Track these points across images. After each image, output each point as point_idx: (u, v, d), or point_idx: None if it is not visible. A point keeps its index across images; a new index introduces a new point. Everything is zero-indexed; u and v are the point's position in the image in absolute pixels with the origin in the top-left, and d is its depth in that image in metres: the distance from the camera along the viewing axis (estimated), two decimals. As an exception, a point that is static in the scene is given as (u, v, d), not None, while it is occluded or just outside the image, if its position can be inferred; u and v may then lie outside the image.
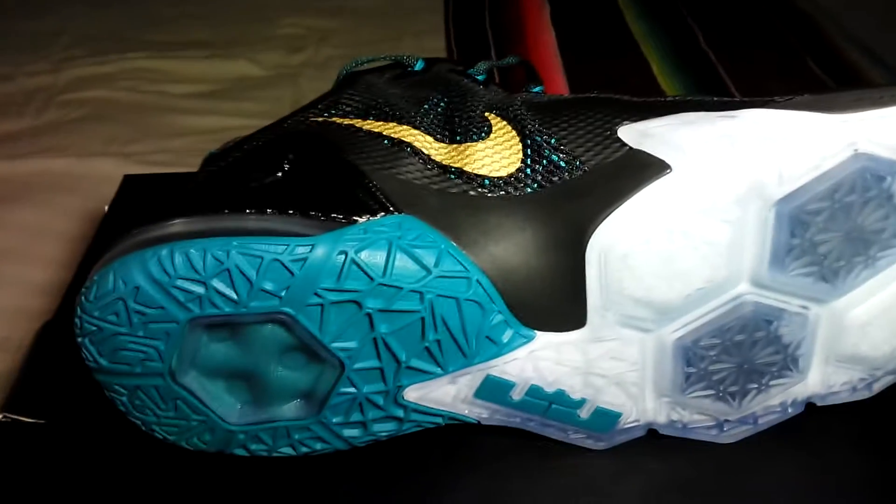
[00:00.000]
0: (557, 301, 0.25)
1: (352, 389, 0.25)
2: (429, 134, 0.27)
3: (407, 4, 1.03)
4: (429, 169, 0.26)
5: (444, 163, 0.26)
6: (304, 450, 0.27)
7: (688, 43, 0.91)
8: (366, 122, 0.28)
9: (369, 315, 0.24)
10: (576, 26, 0.94)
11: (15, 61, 0.78)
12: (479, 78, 0.31)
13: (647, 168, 0.23)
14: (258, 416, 0.26)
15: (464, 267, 0.24)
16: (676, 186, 0.23)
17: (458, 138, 0.27)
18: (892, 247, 0.24)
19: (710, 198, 0.23)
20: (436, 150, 0.26)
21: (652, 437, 0.28)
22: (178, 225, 0.24)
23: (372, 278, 0.23)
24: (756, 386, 0.26)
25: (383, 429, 0.27)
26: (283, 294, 0.23)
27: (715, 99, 0.25)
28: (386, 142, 0.26)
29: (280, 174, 0.26)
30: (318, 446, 0.27)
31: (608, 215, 0.23)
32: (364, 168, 0.26)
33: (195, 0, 0.96)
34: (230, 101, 0.80)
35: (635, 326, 0.25)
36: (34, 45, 0.82)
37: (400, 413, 0.26)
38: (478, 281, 0.24)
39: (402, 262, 0.23)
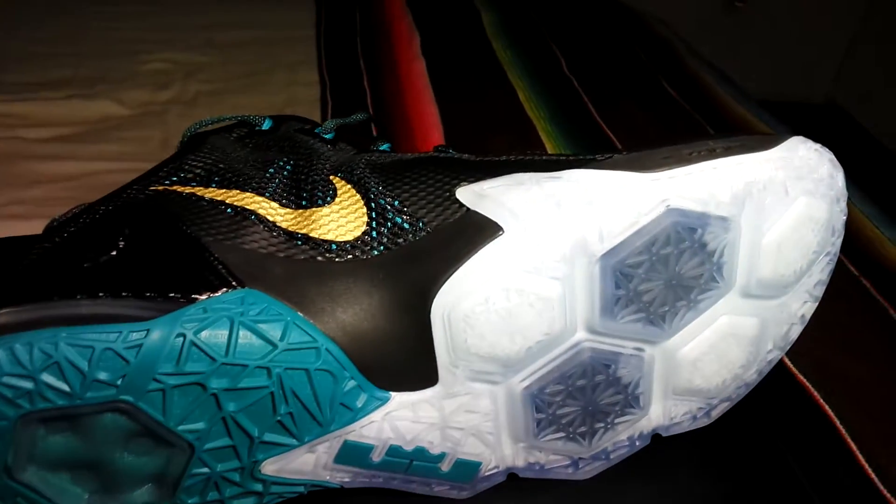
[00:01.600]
0: (409, 362, 0.25)
1: (205, 470, 0.25)
2: (274, 200, 0.27)
3: (277, 37, 1.02)
4: (274, 237, 0.26)
5: (290, 229, 0.26)
6: (162, 532, 0.26)
7: (551, 69, 0.95)
8: (208, 190, 0.27)
9: (215, 395, 0.23)
10: (445, 55, 0.96)
11: None
12: (327, 137, 0.31)
13: (482, 230, 0.24)
14: (107, 503, 0.25)
15: (312, 337, 0.24)
16: (508, 247, 0.24)
17: (303, 203, 0.27)
18: (710, 289, 0.26)
19: (539, 257, 0.24)
20: (281, 216, 0.26)
21: (512, 481, 0.29)
22: (3, 315, 0.23)
23: (214, 359, 0.23)
24: (603, 425, 0.28)
25: None
26: (119, 383, 0.23)
27: (544, 157, 0.26)
28: (229, 210, 0.26)
29: (115, 252, 0.25)
30: (176, 528, 0.26)
31: (448, 278, 0.24)
32: (205, 240, 0.25)
33: (54, 37, 0.91)
34: (93, 143, 0.77)
35: (484, 380, 0.26)
36: None
37: (258, 487, 0.26)
38: (327, 350, 0.24)
39: (245, 338, 0.23)
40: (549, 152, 0.32)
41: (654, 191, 0.23)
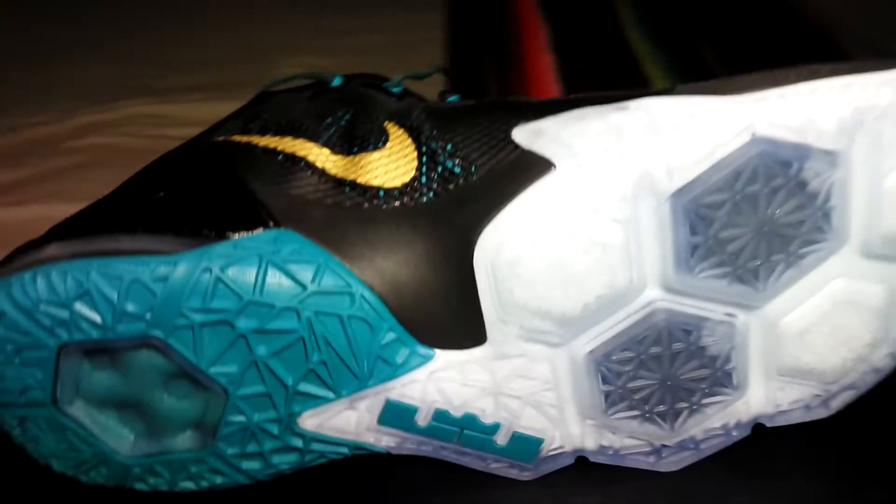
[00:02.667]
0: (454, 316, 0.23)
1: (241, 418, 0.24)
2: (326, 146, 0.25)
3: (406, 39, 1.03)
4: (322, 182, 0.24)
5: (338, 175, 0.24)
6: (205, 484, 0.25)
7: (694, 63, 0.88)
8: (263, 139, 0.26)
9: (244, 337, 0.22)
10: (575, 48, 0.92)
11: (20, 113, 0.80)
12: (395, 90, 0.29)
13: (533, 168, 0.22)
14: (152, 448, 0.25)
15: (346, 282, 0.22)
16: (559, 185, 0.21)
17: (354, 149, 0.25)
18: (815, 242, 0.21)
19: (595, 195, 0.21)
20: (332, 162, 0.25)
21: (585, 466, 0.25)
22: (52, 249, 0.23)
23: (241, 297, 0.22)
24: (687, 405, 0.24)
25: (284, 460, 0.25)
26: (147, 316, 0.22)
27: (613, 94, 0.23)
28: (280, 157, 0.25)
29: (162, 194, 0.24)
30: (219, 480, 0.25)
31: (491, 220, 0.21)
32: (253, 185, 0.24)
33: (195, 45, 0.98)
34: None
35: (540, 341, 0.23)
36: (39, 96, 0.84)
37: (298, 443, 0.24)
38: (363, 296, 0.22)
39: (274, 278, 0.22)
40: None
41: (736, 116, 0.20)
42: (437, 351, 0.23)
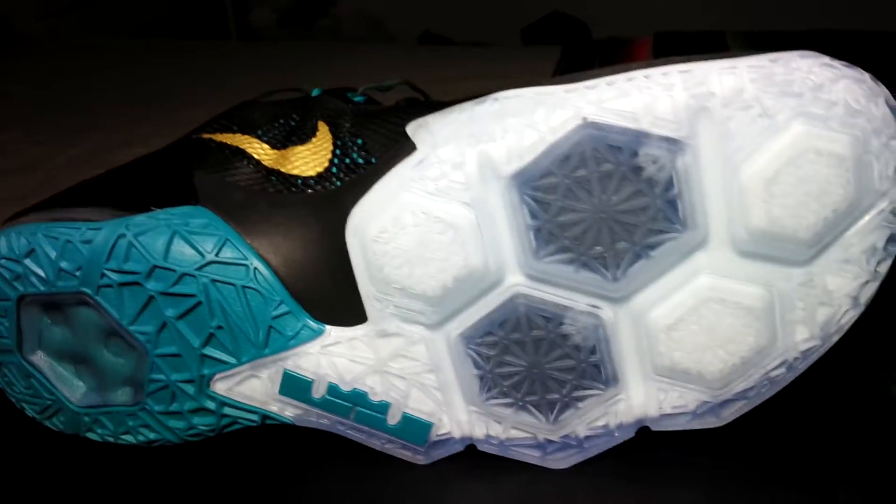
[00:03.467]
0: (340, 293, 0.25)
1: (161, 376, 0.27)
2: (266, 142, 0.28)
3: (510, 85, 1.06)
4: (255, 173, 0.27)
5: (269, 166, 0.27)
6: (142, 438, 0.28)
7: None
8: (221, 135, 0.30)
9: (154, 297, 0.25)
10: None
11: (151, 144, 0.91)
12: (356, 99, 0.32)
13: (401, 153, 0.23)
14: (97, 399, 0.28)
15: (243, 254, 0.25)
16: (415, 167, 0.22)
17: (288, 144, 0.28)
18: (663, 231, 0.21)
19: (444, 178, 0.22)
20: (268, 155, 0.28)
21: (475, 456, 0.26)
22: (28, 216, 0.28)
23: (149, 260, 0.25)
24: (558, 397, 0.24)
25: (202, 422, 0.27)
26: (78, 273, 0.25)
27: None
28: (227, 150, 0.28)
29: (123, 178, 0.28)
30: (151, 436, 0.28)
31: (360, 198, 0.23)
32: (196, 173, 0.28)
33: (312, 87, 1.05)
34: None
35: (415, 321, 0.24)
36: (172, 131, 0.95)
37: (212, 405, 0.27)
38: (256, 269, 0.25)
39: (178, 247, 0.25)
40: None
41: (566, 101, 0.20)
42: (328, 327, 0.25)
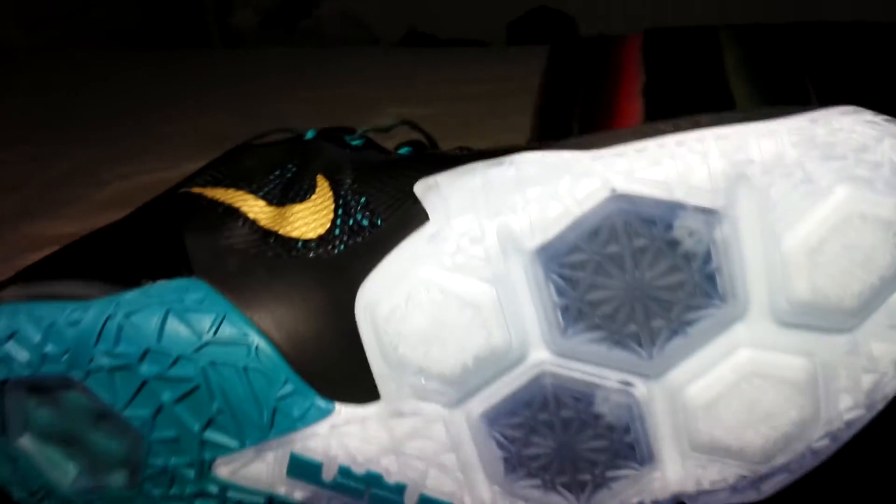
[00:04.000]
0: (349, 369, 0.23)
1: (159, 461, 0.25)
2: (262, 198, 0.27)
3: (502, 88, 1.04)
4: (252, 234, 0.25)
5: (266, 227, 0.25)
6: (140, 523, 0.27)
7: (799, 101, 0.83)
8: (215, 191, 0.28)
9: (148, 381, 0.23)
10: (669, 94, 0.89)
11: (134, 162, 0.88)
12: (355, 143, 0.30)
13: (413, 221, 0.21)
14: (91, 483, 0.26)
15: (242, 332, 0.23)
16: (430, 240, 0.21)
17: (286, 201, 0.26)
18: (701, 307, 0.19)
19: (464, 253, 0.20)
20: (264, 214, 0.26)
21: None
22: (8, 291, 0.26)
23: (142, 343, 0.23)
24: (590, 477, 0.22)
25: (205, 505, 0.26)
26: (65, 358, 0.24)
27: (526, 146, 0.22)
28: (220, 209, 0.26)
29: (110, 243, 0.26)
30: (152, 520, 0.27)
31: (369, 272, 0.21)
32: (188, 235, 0.26)
33: (300, 98, 1.03)
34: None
35: (433, 400, 0.22)
36: (153, 147, 0.92)
37: (215, 489, 0.25)
38: (257, 346, 0.23)
39: (173, 327, 0.23)
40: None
41: (593, 171, 0.19)
42: (338, 405, 0.23)
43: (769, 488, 0.22)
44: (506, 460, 0.22)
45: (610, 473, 0.22)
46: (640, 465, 0.22)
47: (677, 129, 0.19)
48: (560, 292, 0.20)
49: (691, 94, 0.90)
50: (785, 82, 0.90)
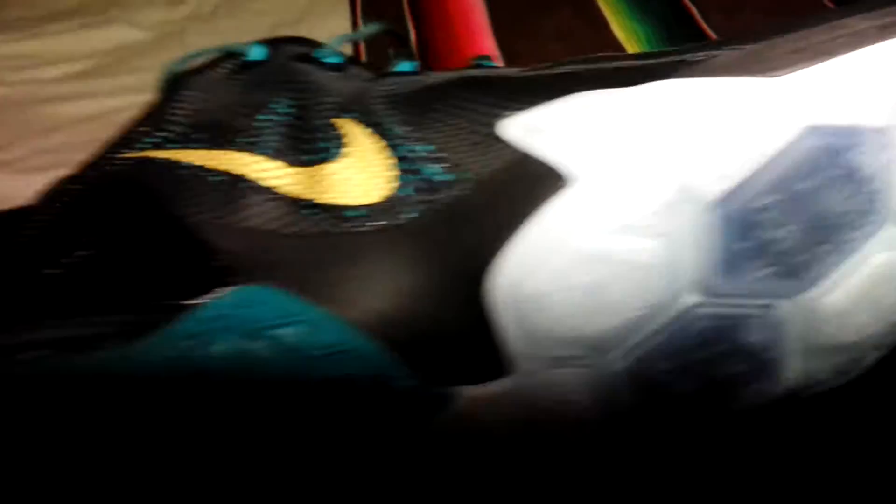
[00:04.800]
0: (471, 351, 0.20)
1: None
2: (269, 158, 0.21)
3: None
4: (274, 208, 0.20)
5: (292, 195, 0.20)
6: None
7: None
8: (187, 153, 0.21)
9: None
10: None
11: None
12: (333, 61, 0.24)
13: (542, 180, 0.18)
14: None
15: (344, 337, 0.19)
16: (582, 202, 0.17)
17: (305, 158, 0.21)
18: (861, 226, 0.19)
19: (627, 212, 0.17)
20: (281, 179, 0.20)
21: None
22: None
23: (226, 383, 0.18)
24: (726, 397, 0.22)
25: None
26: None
27: (617, 63, 0.19)
28: (215, 178, 0.20)
29: (83, 251, 0.20)
30: None
31: (504, 248, 0.18)
32: (190, 221, 0.20)
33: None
34: (111, 76, 0.71)
35: (573, 365, 0.20)
36: None
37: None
38: (366, 349, 0.19)
39: (261, 351, 0.18)
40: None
41: (788, 104, 0.17)
42: (459, 388, 0.20)
43: (867, 364, 0.23)
44: (646, 405, 0.21)
45: (745, 390, 0.22)
46: (773, 375, 0.22)
47: (856, 40, 0.17)
48: (743, 237, 0.18)
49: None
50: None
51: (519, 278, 0.18)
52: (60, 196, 0.22)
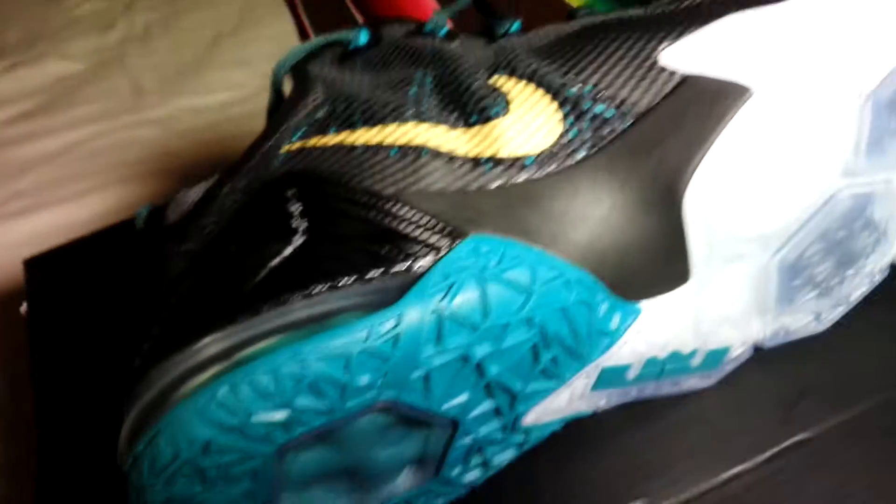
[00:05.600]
0: (659, 264, 0.22)
1: (468, 439, 0.22)
2: (439, 124, 0.22)
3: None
4: (457, 168, 0.21)
5: (470, 155, 0.22)
6: (424, 509, 0.24)
7: None
8: (355, 133, 0.22)
9: (479, 364, 0.20)
10: None
11: None
12: (442, 34, 0.26)
13: (722, 97, 0.20)
14: (369, 502, 0.23)
15: (558, 271, 0.21)
16: (767, 111, 0.20)
17: (473, 119, 0.22)
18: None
19: (802, 112, 0.20)
20: (455, 141, 0.22)
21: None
22: (211, 346, 0.19)
23: (475, 326, 0.19)
24: (853, 271, 0.25)
25: (503, 459, 0.24)
26: (379, 382, 0.19)
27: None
28: (394, 152, 0.22)
29: (298, 237, 0.21)
30: (440, 501, 0.24)
31: (699, 162, 0.20)
32: (386, 193, 0.21)
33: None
34: (62, 110, 0.69)
35: (740, 260, 0.23)
36: None
37: (520, 439, 0.23)
38: (577, 280, 0.21)
39: (497, 294, 0.20)
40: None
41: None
42: (643, 303, 0.23)
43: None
44: (795, 288, 0.24)
45: (867, 261, 0.25)
46: (888, 244, 0.25)
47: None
48: (885, 118, 0.21)
49: None
50: None
51: (713, 189, 0.20)
52: (220, 202, 0.22)
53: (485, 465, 0.24)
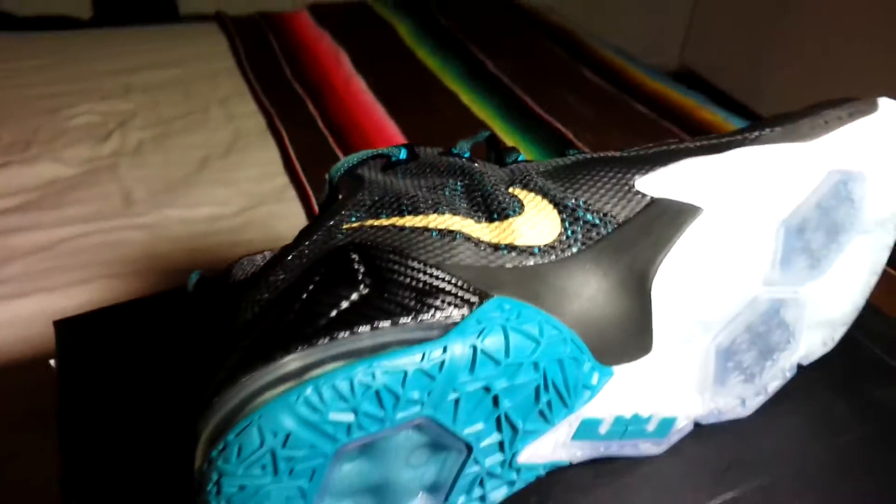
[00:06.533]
0: (629, 337, 0.29)
1: (475, 468, 0.27)
2: (468, 217, 0.29)
3: (197, 72, 1.00)
4: (482, 250, 0.28)
5: (492, 242, 0.28)
6: (429, 538, 0.28)
7: (479, 71, 1.00)
8: (405, 219, 0.29)
9: (496, 396, 0.26)
10: (378, 69, 0.98)
11: None
12: (465, 156, 0.34)
13: (681, 214, 0.28)
14: (386, 523, 0.27)
15: (559, 330, 0.27)
16: (713, 224, 0.28)
17: (495, 216, 0.29)
18: (852, 229, 0.31)
19: (738, 228, 0.28)
20: (480, 231, 0.29)
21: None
22: (294, 362, 0.24)
23: (498, 362, 0.25)
24: (770, 362, 0.32)
25: (497, 497, 0.29)
26: (425, 399, 0.24)
27: (697, 144, 0.30)
28: (435, 234, 0.28)
29: (363, 288, 0.26)
30: (441, 531, 0.28)
31: (662, 259, 0.28)
32: (430, 262, 0.27)
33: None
34: (51, 209, 0.73)
35: (689, 342, 0.30)
36: None
37: (513, 476, 0.28)
38: (571, 339, 0.27)
39: (516, 340, 0.26)
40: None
41: (821, 158, 0.28)
42: (615, 367, 0.29)
43: (838, 338, 0.35)
44: (727, 370, 0.31)
45: (779, 356, 0.33)
46: (795, 343, 0.33)
47: (841, 121, 0.29)
48: (799, 239, 0.29)
49: (396, 69, 0.99)
50: (459, 53, 1.05)
51: (673, 279, 0.28)
52: (288, 263, 0.28)
53: (482, 498, 0.28)
